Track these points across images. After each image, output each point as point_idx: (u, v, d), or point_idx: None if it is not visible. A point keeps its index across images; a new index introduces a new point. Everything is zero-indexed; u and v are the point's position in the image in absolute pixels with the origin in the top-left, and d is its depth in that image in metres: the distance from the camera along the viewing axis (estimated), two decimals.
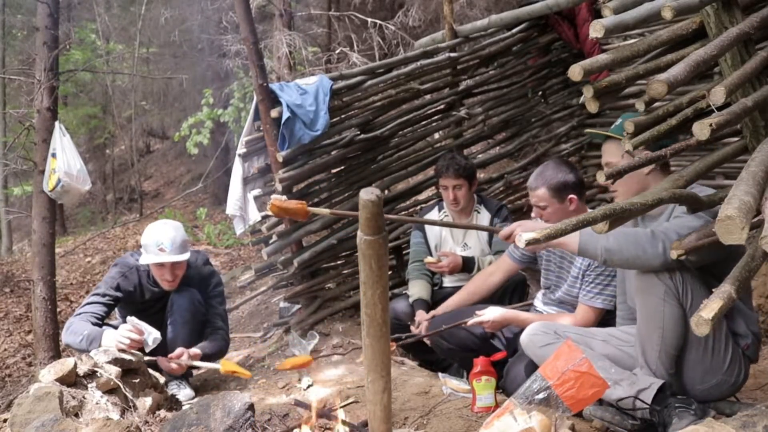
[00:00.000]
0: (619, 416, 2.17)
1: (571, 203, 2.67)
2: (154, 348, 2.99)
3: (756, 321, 2.26)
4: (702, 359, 2.09)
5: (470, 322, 2.81)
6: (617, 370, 2.20)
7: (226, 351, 3.40)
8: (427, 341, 3.25)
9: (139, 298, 3.20)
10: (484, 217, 3.50)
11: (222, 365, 2.89)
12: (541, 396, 1.95)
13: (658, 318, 2.03)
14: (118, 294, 3.14)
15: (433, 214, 3.63)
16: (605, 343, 2.35)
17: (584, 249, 2.04)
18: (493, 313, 2.77)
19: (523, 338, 2.45)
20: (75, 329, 2.96)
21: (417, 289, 3.48)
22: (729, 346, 2.11)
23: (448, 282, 3.59)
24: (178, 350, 3.04)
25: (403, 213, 4.37)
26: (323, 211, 2.02)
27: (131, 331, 2.86)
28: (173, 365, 2.96)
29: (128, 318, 2.99)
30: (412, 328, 3.29)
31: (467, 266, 3.39)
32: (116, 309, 3.32)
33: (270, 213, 2.04)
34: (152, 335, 2.93)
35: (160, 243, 3.04)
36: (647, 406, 2.09)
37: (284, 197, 2.01)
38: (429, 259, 3.42)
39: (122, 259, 3.29)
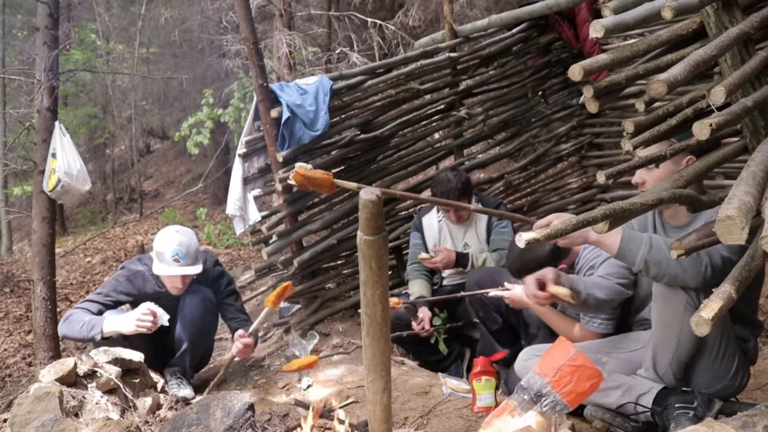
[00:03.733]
0: (620, 418, 2.17)
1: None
2: (163, 347, 3.04)
3: (760, 325, 2.26)
4: (712, 366, 2.08)
5: (492, 293, 2.78)
6: (616, 376, 2.20)
7: None
8: (423, 333, 3.28)
9: (143, 300, 3.17)
10: (482, 216, 3.50)
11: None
12: (538, 394, 1.94)
13: (675, 327, 2.00)
14: (120, 297, 3.13)
15: (432, 216, 3.63)
16: (599, 355, 2.34)
17: (623, 253, 1.95)
18: (518, 291, 2.69)
19: (517, 365, 2.45)
20: (74, 318, 2.95)
21: (417, 288, 3.48)
22: (737, 352, 2.10)
23: (447, 281, 3.59)
24: (240, 332, 3.10)
25: (403, 213, 4.38)
26: (350, 184, 1.91)
27: (147, 315, 2.88)
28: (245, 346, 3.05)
29: (143, 304, 2.98)
30: (414, 324, 3.30)
31: (461, 262, 3.40)
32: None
33: (294, 182, 1.92)
34: (164, 317, 2.98)
35: (175, 254, 3.01)
36: (648, 409, 2.09)
37: (309, 165, 1.92)
38: (423, 255, 3.43)
39: (129, 263, 3.25)
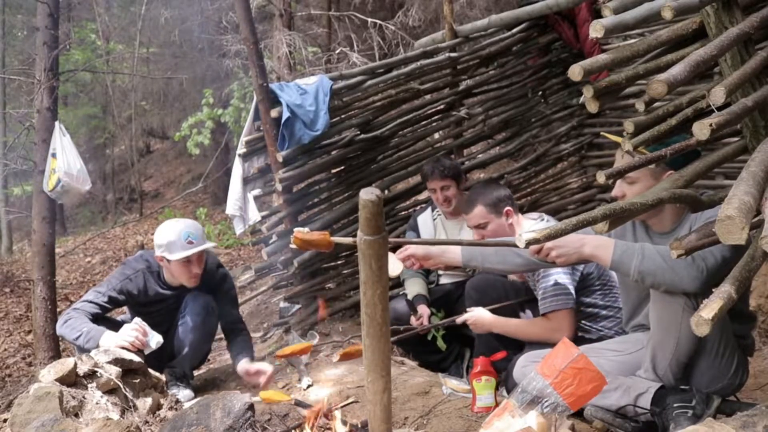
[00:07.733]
0: (620, 418, 2.17)
1: (508, 216, 2.84)
2: (161, 350, 2.97)
3: (754, 317, 2.26)
4: (712, 366, 2.07)
5: (459, 320, 2.88)
6: (614, 377, 2.20)
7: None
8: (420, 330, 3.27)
9: (143, 300, 3.15)
10: None
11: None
12: (539, 395, 1.94)
13: (674, 328, 2.00)
14: (120, 297, 3.08)
15: (427, 215, 3.64)
16: (598, 358, 2.34)
17: (617, 266, 1.99)
18: (477, 314, 2.81)
19: (516, 371, 2.45)
20: (73, 324, 2.91)
21: (415, 287, 3.48)
22: (736, 351, 2.10)
23: (444, 279, 3.59)
24: (253, 368, 3.03)
25: (403, 213, 4.38)
26: (347, 240, 1.94)
27: (135, 331, 2.84)
28: (261, 380, 2.96)
29: (135, 319, 2.96)
30: (413, 320, 3.30)
31: None
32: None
33: (294, 245, 1.99)
34: (155, 338, 2.92)
35: (188, 235, 3.00)
36: (647, 410, 2.09)
37: (306, 229, 1.98)
38: None
39: (129, 261, 3.21)
